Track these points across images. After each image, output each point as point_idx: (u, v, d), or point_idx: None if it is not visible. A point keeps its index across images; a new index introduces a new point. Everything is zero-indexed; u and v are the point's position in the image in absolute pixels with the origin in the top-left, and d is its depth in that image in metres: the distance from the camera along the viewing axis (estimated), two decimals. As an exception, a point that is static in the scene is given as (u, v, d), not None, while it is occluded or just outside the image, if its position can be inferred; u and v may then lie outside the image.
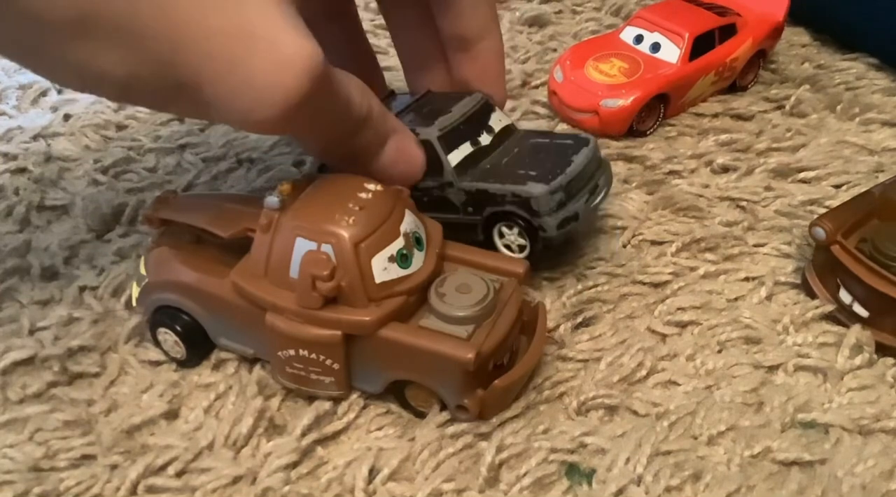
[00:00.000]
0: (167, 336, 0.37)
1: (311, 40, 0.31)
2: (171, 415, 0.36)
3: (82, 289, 0.42)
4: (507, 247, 0.41)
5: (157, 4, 0.28)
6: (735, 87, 0.58)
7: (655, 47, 0.54)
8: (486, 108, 0.42)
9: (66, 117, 0.55)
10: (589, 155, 0.40)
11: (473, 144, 0.41)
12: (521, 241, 0.40)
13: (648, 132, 0.53)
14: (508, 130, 0.43)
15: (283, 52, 0.30)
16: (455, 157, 0.40)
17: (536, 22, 0.66)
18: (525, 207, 0.39)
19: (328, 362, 0.34)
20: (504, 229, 0.40)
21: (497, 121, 0.42)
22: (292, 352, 0.34)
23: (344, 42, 0.44)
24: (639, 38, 0.55)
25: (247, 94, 0.30)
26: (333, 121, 0.35)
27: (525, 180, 0.38)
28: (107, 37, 0.28)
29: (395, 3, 0.43)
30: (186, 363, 0.38)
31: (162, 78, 0.30)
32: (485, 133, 0.42)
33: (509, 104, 0.56)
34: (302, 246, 0.33)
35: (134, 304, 0.39)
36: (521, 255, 0.40)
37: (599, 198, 0.41)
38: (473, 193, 0.40)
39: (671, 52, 0.53)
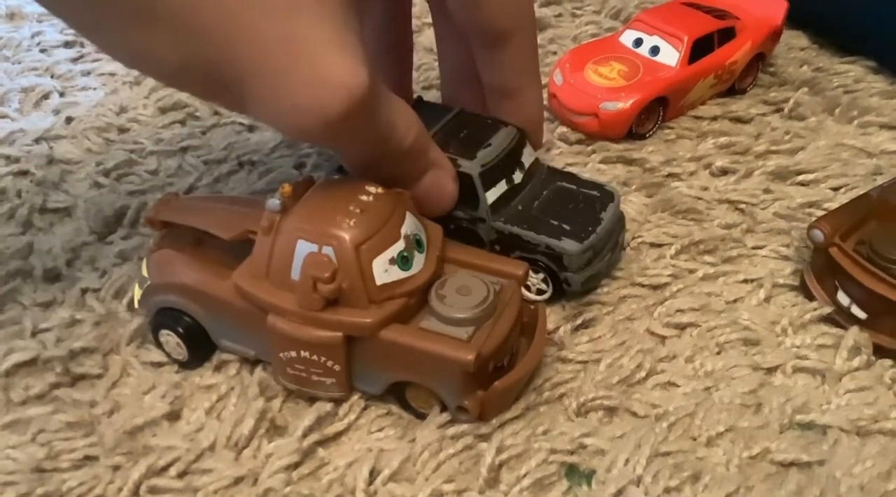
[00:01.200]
0: (169, 337, 0.37)
1: (356, 64, 0.31)
2: (173, 416, 0.36)
3: (84, 291, 0.42)
4: (526, 287, 0.41)
5: (216, 4, 0.29)
6: (734, 90, 0.58)
7: (655, 50, 0.54)
8: (520, 143, 0.42)
9: (69, 120, 0.55)
10: (615, 212, 0.42)
11: (508, 182, 0.41)
12: (542, 286, 0.41)
13: (648, 135, 0.53)
14: (535, 166, 0.43)
15: (324, 70, 0.30)
16: (492, 196, 0.41)
17: (536, 25, 0.66)
18: (556, 261, 0.40)
19: (329, 364, 0.34)
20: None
21: (528, 156, 0.43)
22: (293, 353, 0.34)
23: (381, 30, 0.45)
24: (638, 42, 0.55)
25: (284, 103, 0.31)
26: (372, 143, 0.35)
27: (559, 235, 0.40)
28: (164, 28, 0.29)
29: (447, 16, 0.42)
30: (188, 365, 0.38)
31: (210, 73, 0.30)
32: (518, 170, 0.42)
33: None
34: (303, 248, 0.33)
35: (136, 305, 0.39)
36: (539, 299, 0.41)
37: (618, 255, 0.43)
38: (506, 235, 0.40)
39: (670, 56, 0.54)
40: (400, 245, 0.34)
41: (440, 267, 0.36)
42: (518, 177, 0.42)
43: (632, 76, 0.53)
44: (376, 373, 0.35)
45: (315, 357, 0.34)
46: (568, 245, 0.39)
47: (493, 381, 0.34)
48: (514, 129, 0.42)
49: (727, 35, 0.56)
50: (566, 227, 0.40)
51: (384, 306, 0.34)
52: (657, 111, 0.53)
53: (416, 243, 0.35)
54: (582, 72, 0.54)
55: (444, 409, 0.35)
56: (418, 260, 0.35)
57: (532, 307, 0.38)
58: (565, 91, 0.53)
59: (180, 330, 0.37)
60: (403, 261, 0.34)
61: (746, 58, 0.56)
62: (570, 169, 0.51)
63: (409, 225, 0.35)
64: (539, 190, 0.42)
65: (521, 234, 0.40)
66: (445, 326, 0.34)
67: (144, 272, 0.38)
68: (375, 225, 0.34)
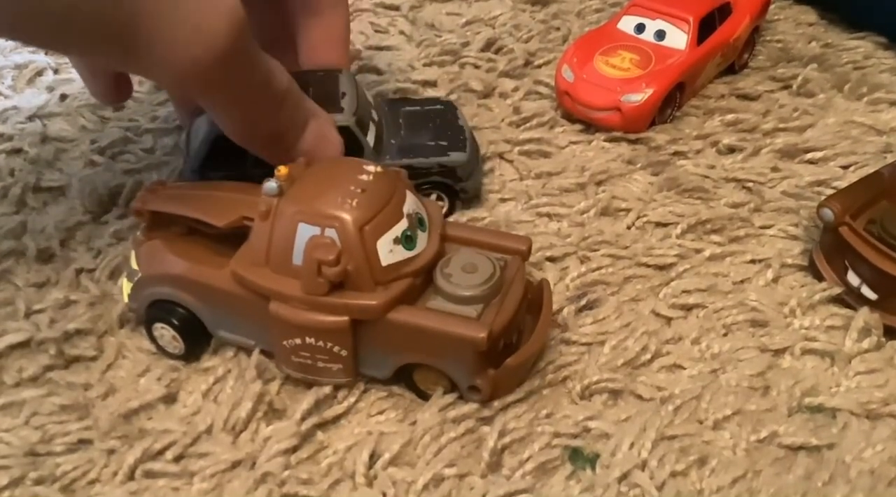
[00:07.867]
0: (164, 331, 0.36)
1: None
2: (169, 399, 0.36)
3: (79, 271, 0.41)
4: None
5: None
6: (732, 68, 0.57)
7: (661, 35, 0.52)
8: (359, 85, 0.43)
9: (63, 97, 0.54)
10: (463, 118, 0.46)
11: (374, 123, 0.42)
12: (440, 203, 0.44)
13: (668, 120, 0.52)
14: (378, 102, 0.45)
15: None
16: (371, 140, 0.42)
17: (539, 0, 0.65)
18: (451, 176, 0.43)
19: (335, 349, 0.34)
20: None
21: (370, 96, 0.44)
22: (298, 340, 0.34)
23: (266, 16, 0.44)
24: (640, 27, 0.53)
25: (181, 31, 0.31)
26: (255, 89, 0.35)
27: (444, 151, 0.43)
28: None
29: None
30: (185, 358, 0.37)
31: (101, 13, 0.29)
32: (373, 110, 0.43)
33: (511, 83, 0.55)
34: (305, 231, 0.33)
35: (126, 300, 0.38)
36: None
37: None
38: None
39: (678, 39, 0.52)
40: (403, 224, 0.34)
41: (442, 245, 0.36)
42: (375, 115, 0.43)
43: (645, 64, 0.51)
44: (384, 356, 0.34)
45: (321, 343, 0.34)
46: (457, 156, 0.43)
47: (503, 359, 0.34)
48: (348, 73, 0.43)
49: (725, 12, 0.55)
50: (443, 143, 0.43)
51: (390, 287, 0.33)
52: (675, 97, 0.52)
53: (418, 222, 0.35)
54: (592, 65, 0.51)
55: (449, 390, 0.35)
56: (422, 239, 0.34)
57: (536, 283, 0.37)
58: (580, 87, 0.51)
59: (175, 322, 0.36)
60: (407, 240, 0.34)
61: (747, 32, 0.55)
62: (572, 147, 0.50)
63: (411, 203, 0.35)
64: (395, 119, 0.44)
65: (413, 164, 0.42)
66: (453, 305, 0.34)
67: (134, 265, 0.37)
68: (378, 205, 0.33)
